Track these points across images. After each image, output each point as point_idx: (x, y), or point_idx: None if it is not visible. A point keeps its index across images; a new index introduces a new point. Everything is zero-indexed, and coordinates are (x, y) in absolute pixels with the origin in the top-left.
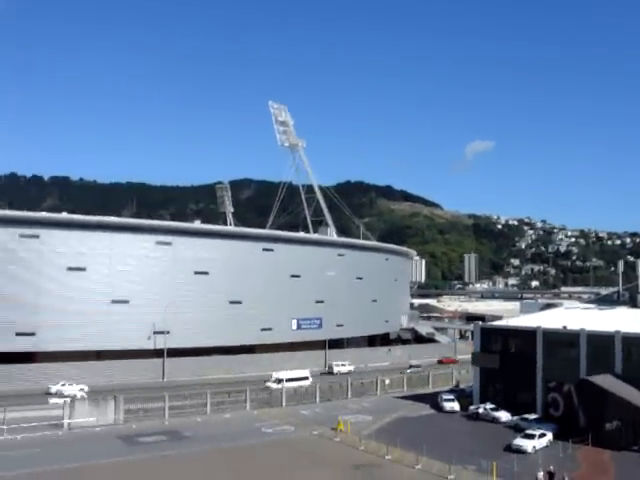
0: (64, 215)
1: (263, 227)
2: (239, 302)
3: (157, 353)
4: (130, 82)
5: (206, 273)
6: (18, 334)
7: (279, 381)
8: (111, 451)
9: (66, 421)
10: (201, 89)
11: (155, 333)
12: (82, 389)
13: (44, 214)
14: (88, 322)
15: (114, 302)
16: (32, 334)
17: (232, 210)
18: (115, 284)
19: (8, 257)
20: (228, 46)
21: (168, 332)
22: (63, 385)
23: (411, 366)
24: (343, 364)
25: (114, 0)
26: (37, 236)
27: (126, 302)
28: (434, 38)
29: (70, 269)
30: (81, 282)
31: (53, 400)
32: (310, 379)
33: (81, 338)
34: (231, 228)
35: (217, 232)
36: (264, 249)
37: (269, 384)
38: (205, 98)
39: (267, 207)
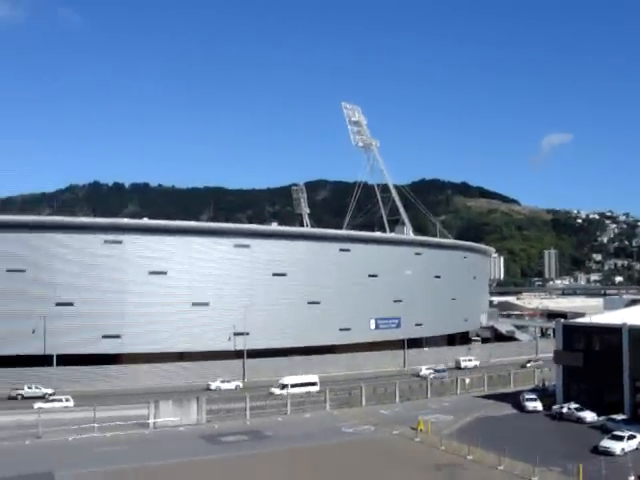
0: (145, 221)
1: (339, 227)
2: (317, 302)
3: (237, 354)
4: (206, 90)
5: (284, 274)
6: (104, 337)
7: (283, 387)
8: (194, 450)
9: (151, 420)
10: (275, 93)
11: (235, 334)
12: (237, 386)
13: (126, 220)
14: (170, 324)
15: (194, 305)
16: (117, 337)
17: (308, 211)
18: (195, 287)
19: (93, 262)
20: (300, 49)
21: (248, 333)
22: (222, 382)
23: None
24: (470, 359)
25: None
26: (120, 242)
27: (206, 304)
28: (507, 26)
29: (152, 273)
30: (162, 285)
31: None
32: (318, 385)
33: (163, 340)
34: (308, 229)
35: (294, 233)
36: (341, 249)
37: (273, 389)
38: (279, 101)
39: (343, 207)
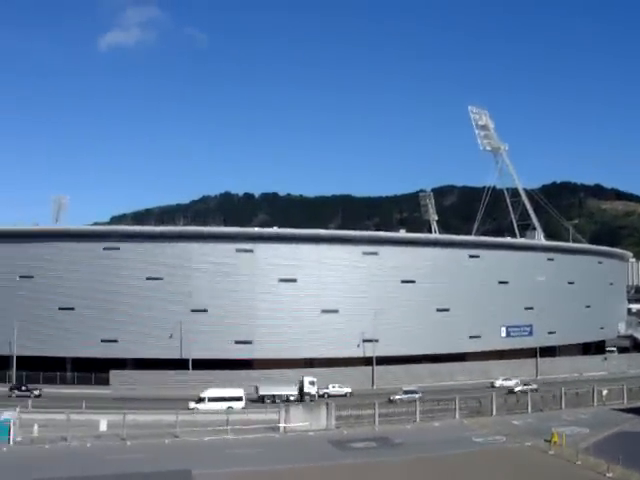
0: (275, 229)
1: (468, 233)
2: (446, 310)
3: (366, 361)
4: (335, 95)
5: (412, 281)
6: (237, 342)
7: (200, 400)
8: (323, 455)
9: (282, 425)
10: (402, 99)
11: (364, 341)
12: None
13: (257, 229)
14: (299, 331)
15: (324, 312)
16: (249, 342)
17: (436, 217)
18: (324, 294)
19: (226, 271)
20: (425, 56)
21: (377, 340)
22: (334, 387)
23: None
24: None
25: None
26: (251, 250)
27: (335, 311)
28: None
29: (282, 280)
30: (292, 293)
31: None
32: (244, 401)
33: (293, 346)
34: (436, 236)
35: (422, 240)
36: (470, 255)
37: (191, 403)
38: (405, 107)
39: (471, 213)
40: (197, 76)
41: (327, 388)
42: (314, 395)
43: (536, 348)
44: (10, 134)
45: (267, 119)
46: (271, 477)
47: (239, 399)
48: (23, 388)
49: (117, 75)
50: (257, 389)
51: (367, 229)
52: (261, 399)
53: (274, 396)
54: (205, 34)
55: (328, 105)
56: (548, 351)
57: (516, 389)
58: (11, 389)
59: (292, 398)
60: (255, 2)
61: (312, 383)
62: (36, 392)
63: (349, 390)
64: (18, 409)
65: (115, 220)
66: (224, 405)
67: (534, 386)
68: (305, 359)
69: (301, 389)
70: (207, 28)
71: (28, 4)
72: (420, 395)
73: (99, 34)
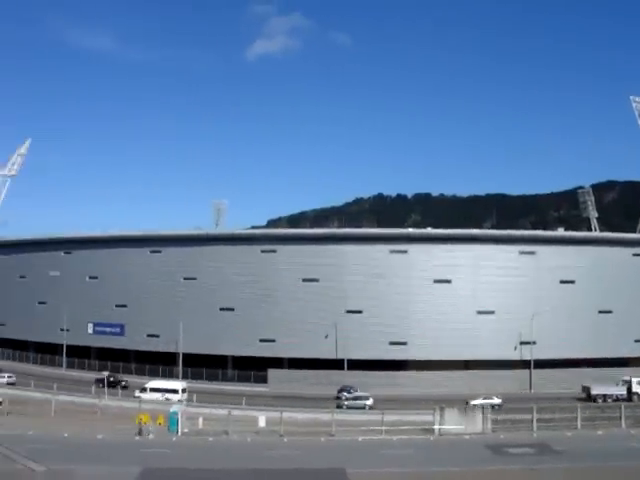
0: (429, 230)
1: (632, 231)
2: (609, 312)
3: (523, 364)
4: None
5: (572, 282)
6: (392, 343)
7: (144, 390)
8: (479, 459)
9: (437, 427)
10: (556, 92)
11: (521, 344)
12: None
13: (411, 230)
14: (455, 332)
15: (479, 313)
16: (404, 343)
17: (596, 215)
18: (480, 295)
19: (381, 272)
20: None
21: (534, 342)
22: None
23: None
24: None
25: None
26: (405, 251)
27: (491, 313)
28: None
29: (436, 281)
30: (447, 294)
31: None
32: (180, 393)
33: (448, 348)
34: (596, 234)
35: (582, 239)
36: (634, 254)
37: (136, 392)
38: (559, 101)
39: (635, 209)
40: (345, 78)
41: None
42: None
43: None
44: (177, 139)
45: (417, 121)
46: (421, 479)
47: (176, 392)
48: (111, 379)
49: (266, 82)
50: (589, 389)
51: (523, 228)
52: (593, 398)
53: (605, 395)
54: (349, 37)
55: (482, 100)
56: None
57: None
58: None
59: (621, 397)
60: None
61: None
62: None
63: (499, 402)
64: (185, 403)
65: (271, 223)
66: (163, 396)
67: None
68: (462, 361)
69: (629, 389)
70: (351, 31)
71: (187, 23)
72: (500, 402)
73: (246, 44)
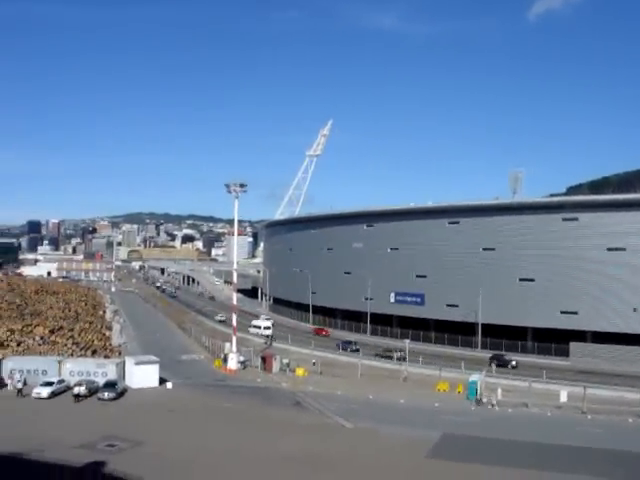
0: (600, 197)
1: None
2: None
3: None
4: None
5: None
6: (562, 312)
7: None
8: None
9: None
10: None
11: None
12: None
13: (582, 197)
14: (630, 303)
15: None
16: (574, 313)
17: None
18: None
19: (552, 243)
20: None
21: None
22: None
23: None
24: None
25: None
26: (576, 219)
27: None
28: None
29: (609, 249)
30: (620, 262)
31: None
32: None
33: (622, 321)
34: None
35: None
36: None
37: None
38: None
39: None
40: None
41: None
42: None
43: None
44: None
45: None
46: None
47: (268, 328)
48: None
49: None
50: None
51: None
52: None
53: None
54: None
55: None
56: None
57: None
58: (491, 359)
59: None
60: None
61: None
62: (513, 363)
63: None
64: (484, 372)
65: (571, 190)
66: (258, 331)
67: None
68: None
69: None
70: None
71: None
72: None
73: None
